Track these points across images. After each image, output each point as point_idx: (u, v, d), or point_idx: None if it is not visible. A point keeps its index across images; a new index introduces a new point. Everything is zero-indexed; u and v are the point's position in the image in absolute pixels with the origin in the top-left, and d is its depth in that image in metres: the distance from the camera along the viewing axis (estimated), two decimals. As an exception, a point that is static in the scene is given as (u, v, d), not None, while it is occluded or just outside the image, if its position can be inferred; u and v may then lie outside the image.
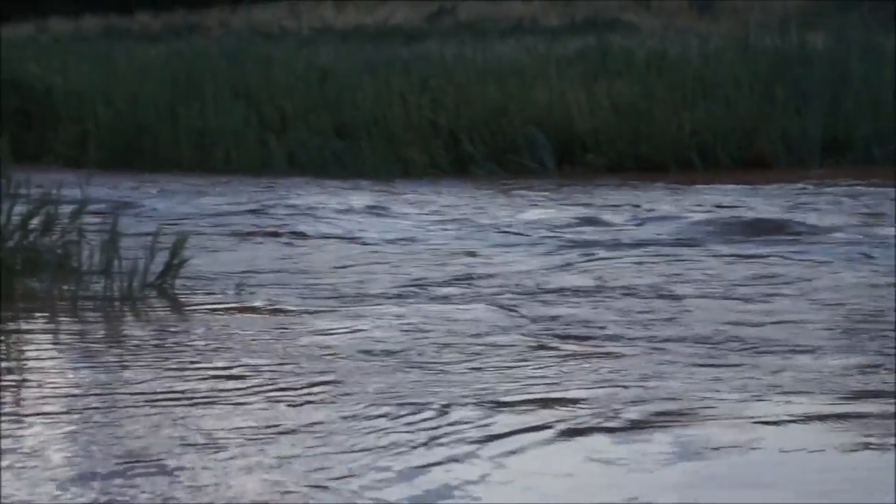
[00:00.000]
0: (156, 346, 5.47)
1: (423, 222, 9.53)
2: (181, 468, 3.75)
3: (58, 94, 15.34)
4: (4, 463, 3.79)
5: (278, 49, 17.49)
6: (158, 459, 3.83)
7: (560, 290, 6.56)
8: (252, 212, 10.33)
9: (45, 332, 5.95)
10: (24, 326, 6.04)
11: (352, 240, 8.75)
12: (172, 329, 5.89)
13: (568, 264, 7.47)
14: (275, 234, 9.03)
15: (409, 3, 28.37)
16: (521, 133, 13.33)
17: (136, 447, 3.95)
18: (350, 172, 13.11)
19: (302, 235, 8.98)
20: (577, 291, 6.53)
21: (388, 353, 5.20)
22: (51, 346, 5.58)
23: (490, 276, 7.07)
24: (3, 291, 6.40)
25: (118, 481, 3.63)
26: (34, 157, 13.41)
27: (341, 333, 5.60)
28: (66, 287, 6.54)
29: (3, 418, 4.29)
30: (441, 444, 3.94)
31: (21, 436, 4.10)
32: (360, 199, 10.93)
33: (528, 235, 8.73)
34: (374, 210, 10.21)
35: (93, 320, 6.15)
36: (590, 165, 13.01)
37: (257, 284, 6.86)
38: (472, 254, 7.97)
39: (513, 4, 28.69)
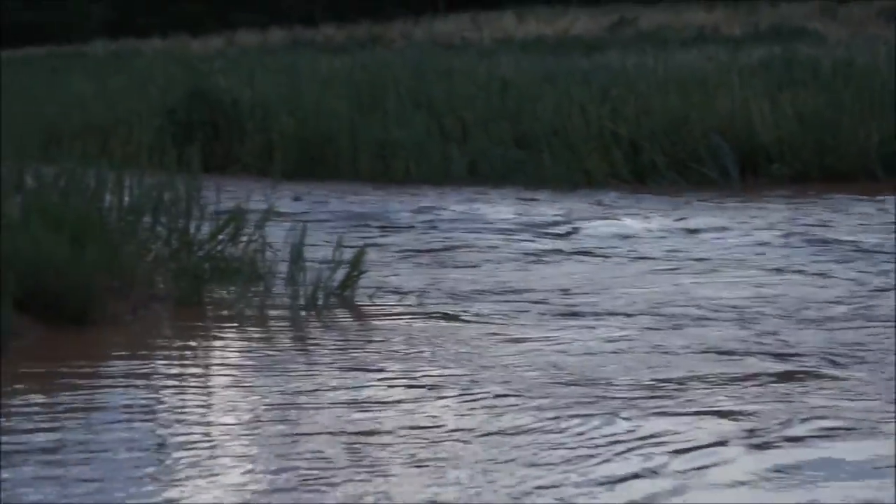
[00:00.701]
0: (339, 353, 5.57)
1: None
2: (382, 473, 3.83)
3: (244, 106, 15.67)
4: (191, 458, 3.91)
5: (459, 60, 17.58)
6: (351, 464, 3.90)
7: None
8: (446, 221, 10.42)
9: (233, 338, 6.08)
10: (214, 333, 6.19)
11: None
12: (355, 337, 5.97)
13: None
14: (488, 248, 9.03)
15: (589, 14, 28.28)
16: (702, 143, 13.17)
17: (329, 452, 4.03)
18: (531, 182, 13.11)
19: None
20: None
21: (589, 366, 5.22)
22: (239, 352, 5.71)
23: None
24: (192, 299, 6.60)
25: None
26: (221, 168, 13.73)
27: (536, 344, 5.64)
28: (252, 295, 6.69)
29: (201, 419, 4.41)
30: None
31: (210, 438, 4.21)
32: (588, 210, 10.83)
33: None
34: (613, 222, 9.96)
35: (278, 328, 6.27)
36: (773, 176, 12.77)
37: (454, 296, 6.94)
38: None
39: (695, 13, 28.37)
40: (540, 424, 4.33)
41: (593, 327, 5.98)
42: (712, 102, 13.68)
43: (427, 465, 3.93)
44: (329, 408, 4.57)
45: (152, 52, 25.07)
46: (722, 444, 4.11)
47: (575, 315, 6.28)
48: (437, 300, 6.75)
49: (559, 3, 28.74)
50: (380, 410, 4.56)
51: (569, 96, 14.25)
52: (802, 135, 13.01)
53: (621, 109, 13.80)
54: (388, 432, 4.27)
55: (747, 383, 4.87)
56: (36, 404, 4.60)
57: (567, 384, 4.87)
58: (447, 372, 5.11)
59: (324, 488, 3.72)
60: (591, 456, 4.00)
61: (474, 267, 7.95)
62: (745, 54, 16.96)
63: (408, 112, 14.58)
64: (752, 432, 4.22)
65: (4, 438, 4.14)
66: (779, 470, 3.87)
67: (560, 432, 4.24)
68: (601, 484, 3.75)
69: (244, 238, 7.19)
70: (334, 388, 4.85)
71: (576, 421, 4.34)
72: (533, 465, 3.92)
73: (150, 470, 3.87)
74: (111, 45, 29.06)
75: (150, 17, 35.13)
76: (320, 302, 6.59)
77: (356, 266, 6.86)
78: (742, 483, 3.78)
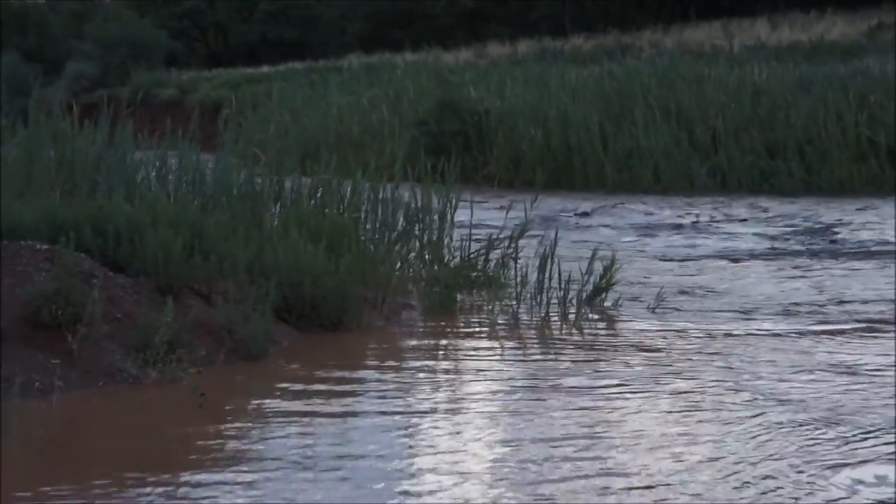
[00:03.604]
0: (590, 360, 5.58)
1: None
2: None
3: (493, 117, 15.84)
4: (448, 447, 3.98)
5: (710, 68, 17.36)
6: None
7: None
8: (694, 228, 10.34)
9: (482, 343, 6.15)
10: (465, 338, 6.28)
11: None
12: (603, 345, 5.97)
13: None
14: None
15: (846, 18, 27.47)
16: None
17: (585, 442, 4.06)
18: (782, 191, 12.87)
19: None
20: None
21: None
22: (489, 356, 5.77)
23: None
24: (444, 306, 6.71)
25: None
26: (469, 178, 13.91)
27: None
28: (503, 302, 6.77)
29: (457, 415, 4.50)
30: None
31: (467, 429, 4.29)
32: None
33: None
34: None
35: (527, 334, 6.32)
36: None
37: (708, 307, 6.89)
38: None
39: (958, 16, 27.23)
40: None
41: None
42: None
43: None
44: (568, 397, 4.59)
45: (405, 64, 25.54)
46: None
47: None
48: (692, 309, 6.71)
49: (815, 8, 28.01)
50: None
51: (824, 103, 13.93)
52: None
53: (880, 116, 13.42)
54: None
55: None
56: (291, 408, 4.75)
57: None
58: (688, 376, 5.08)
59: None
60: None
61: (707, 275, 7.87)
62: None
63: (656, 121, 14.49)
64: None
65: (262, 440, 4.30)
66: None
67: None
68: None
69: (497, 250, 7.28)
70: (575, 388, 4.88)
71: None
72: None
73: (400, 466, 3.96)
74: (365, 59, 29.74)
75: (402, 30, 35.84)
76: (571, 309, 6.61)
77: (606, 275, 6.87)
78: None
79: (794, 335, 5.99)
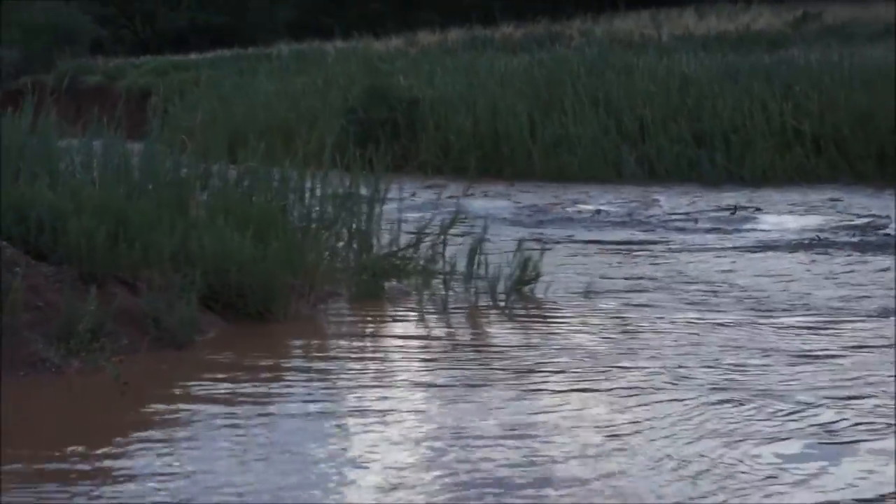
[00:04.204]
0: (520, 347, 5.59)
1: None
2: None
3: (423, 105, 15.83)
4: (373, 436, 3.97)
5: (638, 58, 17.46)
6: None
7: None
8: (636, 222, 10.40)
9: (409, 331, 6.14)
10: (392, 326, 6.28)
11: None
12: (533, 332, 5.99)
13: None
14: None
15: (772, 9, 27.72)
16: (889, 139, 12.88)
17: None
18: (708, 179, 12.98)
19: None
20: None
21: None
22: (416, 345, 5.76)
23: None
24: (372, 294, 6.70)
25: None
26: (399, 166, 13.89)
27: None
28: (431, 290, 6.77)
29: (374, 401, 4.49)
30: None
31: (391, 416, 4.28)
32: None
33: None
34: None
35: (456, 321, 6.33)
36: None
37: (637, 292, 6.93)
38: None
39: (883, 7, 27.59)
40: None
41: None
42: (900, 98, 13.36)
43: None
44: (499, 389, 4.60)
45: (335, 52, 25.44)
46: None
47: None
48: (614, 293, 6.75)
49: (741, -1, 28.29)
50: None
51: (749, 93, 14.06)
52: None
53: (804, 106, 13.56)
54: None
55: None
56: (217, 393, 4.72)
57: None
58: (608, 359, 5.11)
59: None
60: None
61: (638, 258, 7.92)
62: (936, 48, 16.45)
63: (585, 110, 14.55)
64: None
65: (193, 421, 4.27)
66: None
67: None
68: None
69: (427, 239, 7.27)
70: (503, 379, 4.88)
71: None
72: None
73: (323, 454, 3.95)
74: (295, 46, 29.57)
75: (332, 17, 35.68)
76: (500, 297, 6.62)
77: (529, 264, 6.89)
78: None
79: (729, 322, 6.04)
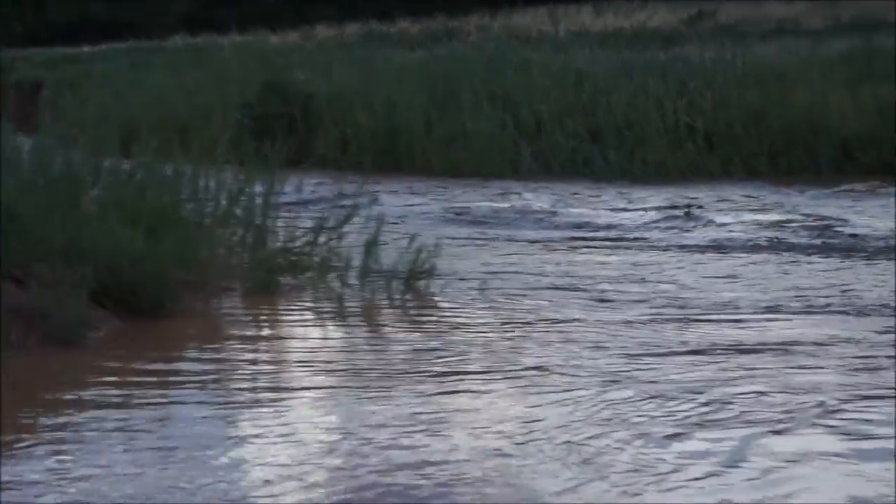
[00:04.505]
0: (415, 343, 5.58)
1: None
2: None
3: (320, 100, 15.74)
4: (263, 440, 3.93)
5: (535, 53, 17.52)
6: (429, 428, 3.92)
7: None
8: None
9: (304, 326, 6.10)
10: (286, 322, 6.23)
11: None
12: (428, 328, 5.97)
13: None
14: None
15: (667, 7, 28.04)
16: (780, 136, 13.08)
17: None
18: (602, 175, 13.07)
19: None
20: None
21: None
22: (310, 340, 5.73)
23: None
24: (267, 290, 6.65)
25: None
26: (296, 162, 13.79)
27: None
28: (326, 286, 6.73)
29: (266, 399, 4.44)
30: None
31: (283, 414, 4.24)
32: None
33: None
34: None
35: (350, 316, 6.30)
36: (857, 166, 12.62)
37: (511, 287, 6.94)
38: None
39: (775, 6, 28.03)
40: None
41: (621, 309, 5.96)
42: (790, 96, 13.55)
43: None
44: (397, 385, 4.59)
45: (231, 46, 25.22)
46: None
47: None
48: (504, 290, 6.76)
49: (637, -4, 28.59)
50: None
51: (644, 89, 14.17)
52: (883, 128, 12.88)
53: (698, 103, 13.71)
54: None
55: None
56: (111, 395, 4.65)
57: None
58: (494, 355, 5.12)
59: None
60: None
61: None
62: (826, 47, 16.75)
63: (482, 106, 14.56)
64: None
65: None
66: None
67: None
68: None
69: (323, 234, 7.23)
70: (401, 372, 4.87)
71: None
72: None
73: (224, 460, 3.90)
74: (190, 40, 29.27)
75: (228, 11, 35.37)
76: (394, 292, 6.60)
77: (424, 258, 6.88)
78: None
79: (635, 319, 6.08)
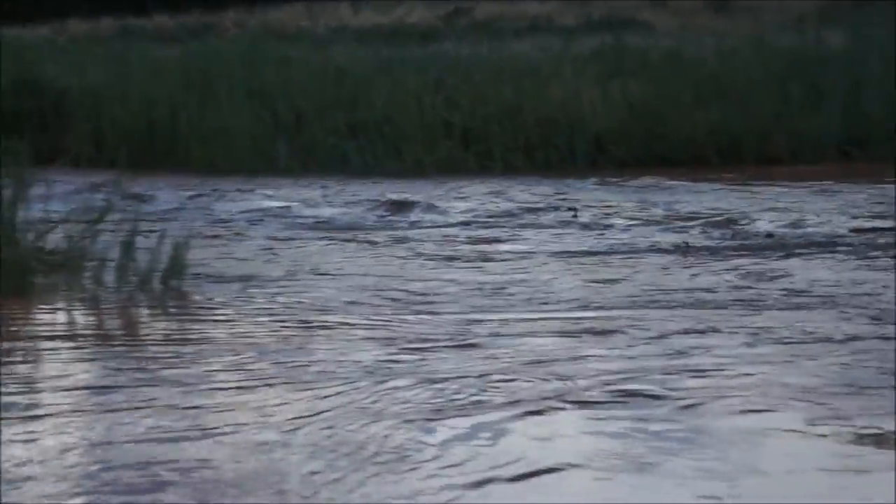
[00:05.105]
0: (174, 347, 5.49)
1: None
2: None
3: (73, 95, 15.35)
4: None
5: (294, 49, 17.46)
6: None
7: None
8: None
9: (54, 328, 5.95)
10: (36, 322, 6.06)
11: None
12: (187, 330, 5.90)
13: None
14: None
15: (425, 4, 28.34)
16: (535, 131, 13.35)
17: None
18: (362, 171, 13.10)
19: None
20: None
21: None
22: (65, 343, 5.59)
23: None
24: (17, 289, 6.45)
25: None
26: (49, 159, 13.39)
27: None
28: (79, 285, 6.58)
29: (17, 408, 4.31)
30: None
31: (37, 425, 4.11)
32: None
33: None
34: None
35: (104, 315, 6.17)
36: (611, 160, 12.98)
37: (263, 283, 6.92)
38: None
39: (529, 4, 28.63)
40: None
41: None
42: (545, 92, 13.85)
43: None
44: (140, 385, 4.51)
45: (-23, 40, 24.33)
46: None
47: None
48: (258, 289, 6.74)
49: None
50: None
51: (403, 85, 14.27)
52: (632, 123, 13.28)
53: (455, 98, 13.88)
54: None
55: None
56: None
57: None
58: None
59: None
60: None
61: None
62: (578, 45, 17.19)
63: (240, 101, 14.43)
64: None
65: None
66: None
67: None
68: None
69: (75, 230, 7.05)
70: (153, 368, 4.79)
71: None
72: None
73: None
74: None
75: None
76: (148, 291, 6.50)
77: (178, 256, 6.80)
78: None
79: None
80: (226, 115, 14.23)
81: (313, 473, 3.71)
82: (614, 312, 6.02)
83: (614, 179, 11.95)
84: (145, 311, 6.27)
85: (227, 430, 4.15)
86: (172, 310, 6.32)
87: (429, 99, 13.85)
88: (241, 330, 5.76)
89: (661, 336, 5.47)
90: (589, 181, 11.85)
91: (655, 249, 8.05)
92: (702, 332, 5.56)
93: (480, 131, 13.40)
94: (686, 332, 5.56)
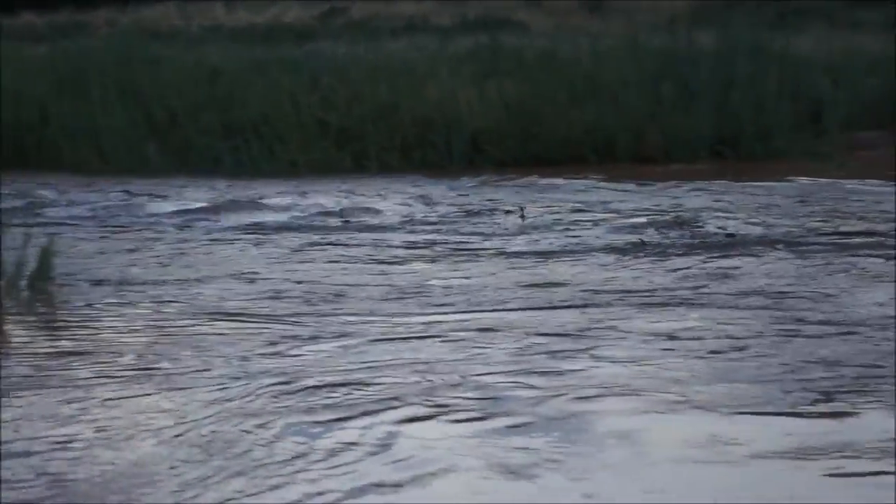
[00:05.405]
0: (46, 350, 5.39)
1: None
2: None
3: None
4: None
5: (167, 48, 17.25)
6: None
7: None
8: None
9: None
10: None
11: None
12: (43, 325, 5.80)
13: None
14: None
15: (300, 3, 28.19)
16: (411, 130, 13.34)
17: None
18: (237, 172, 12.98)
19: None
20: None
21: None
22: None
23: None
24: None
25: None
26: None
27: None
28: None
29: None
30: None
31: None
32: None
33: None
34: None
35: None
36: (488, 159, 13.02)
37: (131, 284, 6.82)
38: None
39: (405, 4, 28.65)
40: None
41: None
42: (421, 91, 13.85)
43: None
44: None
45: None
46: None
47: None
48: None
49: (270, -9, 28.59)
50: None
51: (278, 85, 14.18)
52: (508, 123, 13.33)
53: (332, 98, 13.82)
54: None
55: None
56: None
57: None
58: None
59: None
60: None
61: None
62: (454, 44, 17.24)
63: (112, 101, 14.21)
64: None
65: None
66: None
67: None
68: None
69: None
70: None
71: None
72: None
73: None
74: None
75: None
76: (18, 294, 6.37)
77: (45, 257, 6.67)
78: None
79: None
80: (98, 114, 14.00)
81: (195, 479, 3.66)
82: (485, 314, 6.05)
83: (495, 178, 12.00)
84: (10, 315, 6.13)
85: (103, 431, 4.09)
86: (42, 313, 6.20)
87: (304, 98, 13.77)
88: (111, 335, 5.66)
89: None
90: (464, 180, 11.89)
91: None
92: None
93: (356, 131, 13.36)
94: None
